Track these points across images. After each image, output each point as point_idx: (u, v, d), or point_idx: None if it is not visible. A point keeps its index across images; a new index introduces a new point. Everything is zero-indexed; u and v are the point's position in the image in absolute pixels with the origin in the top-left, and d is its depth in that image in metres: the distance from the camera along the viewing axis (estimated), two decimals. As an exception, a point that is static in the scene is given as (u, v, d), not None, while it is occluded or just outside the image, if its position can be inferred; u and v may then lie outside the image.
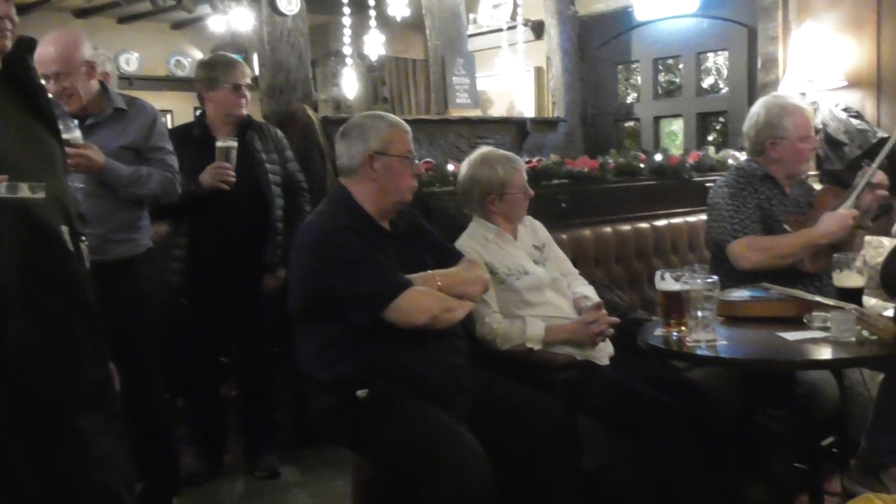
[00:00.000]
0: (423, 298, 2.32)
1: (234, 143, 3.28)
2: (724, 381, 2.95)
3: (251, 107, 3.51)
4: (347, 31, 5.20)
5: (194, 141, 3.37)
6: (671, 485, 2.53)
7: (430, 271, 2.42)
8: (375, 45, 5.63)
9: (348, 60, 5.48)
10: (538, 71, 6.69)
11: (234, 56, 3.55)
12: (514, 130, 5.39)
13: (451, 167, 3.26)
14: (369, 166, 2.43)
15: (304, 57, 4.26)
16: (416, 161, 2.56)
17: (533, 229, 2.99)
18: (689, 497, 2.53)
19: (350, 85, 5.83)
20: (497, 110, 6.87)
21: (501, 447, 2.33)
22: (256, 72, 4.35)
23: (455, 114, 5.12)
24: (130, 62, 8.42)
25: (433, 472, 2.13)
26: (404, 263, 2.42)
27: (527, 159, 3.56)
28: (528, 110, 6.59)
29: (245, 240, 3.36)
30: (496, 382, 2.56)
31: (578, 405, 2.56)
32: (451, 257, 2.58)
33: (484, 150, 2.94)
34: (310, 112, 4.05)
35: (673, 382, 2.73)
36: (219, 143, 3.27)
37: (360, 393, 2.29)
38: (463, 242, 2.81)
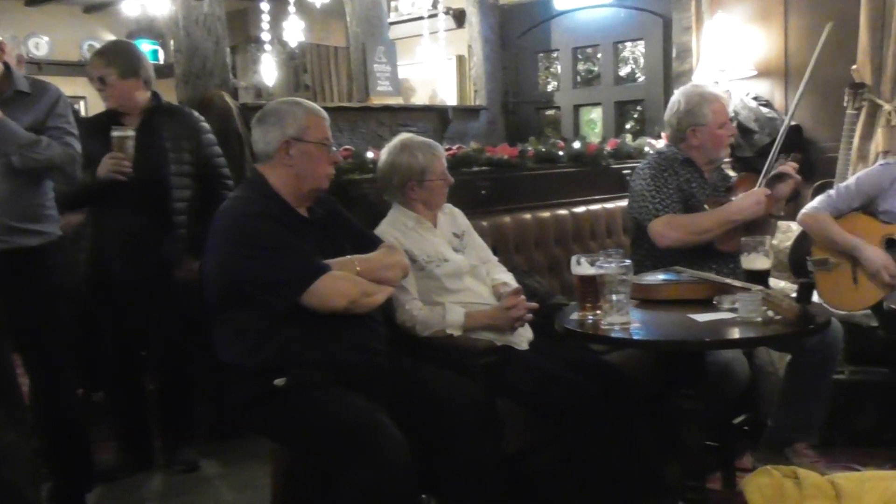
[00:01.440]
0: (341, 283, 2.31)
1: (131, 133, 3.15)
2: (641, 363, 3.02)
3: (169, 93, 3.42)
4: (266, 17, 5.12)
5: (102, 130, 3.26)
6: (590, 466, 2.58)
7: (348, 256, 2.42)
8: (295, 31, 5.56)
9: (267, 47, 5.41)
10: (460, 59, 6.73)
11: (116, 42, 3.43)
12: (436, 118, 5.41)
13: (370, 154, 3.24)
14: (285, 152, 2.41)
15: (221, 42, 4.17)
16: (334, 148, 2.55)
17: (453, 216, 3.00)
18: (608, 477, 2.59)
19: (269, 72, 5.76)
20: (419, 98, 6.88)
21: (422, 432, 2.34)
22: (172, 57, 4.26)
23: (376, 101, 5.11)
24: (40, 46, 8.10)
25: (352, 458, 2.12)
26: (323, 250, 2.41)
27: (447, 147, 3.58)
28: (450, 98, 6.62)
29: (145, 232, 3.25)
30: (417, 368, 2.56)
31: (498, 389, 2.59)
32: (370, 243, 2.57)
33: (403, 136, 2.93)
34: (227, 98, 3.98)
35: (591, 365, 2.78)
36: (114, 133, 3.14)
37: (279, 381, 2.26)
38: (382, 229, 2.81)
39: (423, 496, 2.52)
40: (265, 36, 5.27)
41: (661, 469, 2.81)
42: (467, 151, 3.59)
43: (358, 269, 2.39)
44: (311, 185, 2.46)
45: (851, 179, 3.57)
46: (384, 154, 2.90)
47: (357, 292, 2.33)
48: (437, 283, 2.77)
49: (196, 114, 3.51)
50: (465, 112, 5.82)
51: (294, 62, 7.78)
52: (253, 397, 2.33)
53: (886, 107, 4.39)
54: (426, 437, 2.35)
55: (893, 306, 2.57)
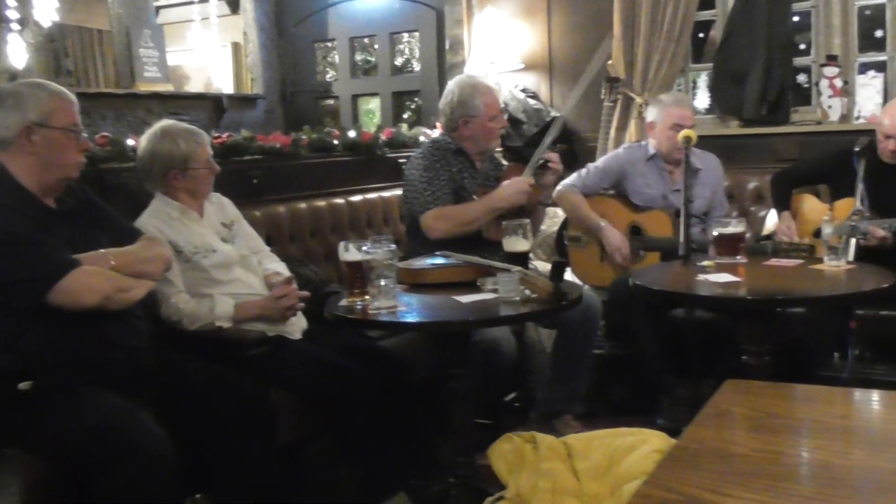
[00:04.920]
0: (92, 278, 2.16)
1: None
2: (417, 347, 3.10)
3: None
4: (13, -6, 4.72)
5: None
6: (367, 451, 2.60)
7: (102, 250, 2.27)
8: (47, 10, 5.15)
9: (14, 26, 4.97)
10: (235, 46, 6.53)
11: None
12: (210, 107, 5.24)
13: (131, 142, 3.07)
14: (27, 139, 2.23)
15: (-44, 20, 3.79)
16: (84, 134, 2.38)
17: (221, 206, 2.91)
18: (384, 460, 2.63)
19: (18, 54, 5.28)
20: (194, 86, 6.61)
21: (192, 429, 2.27)
22: None
23: (144, 88, 4.85)
24: None
25: (108, 460, 2.01)
26: (74, 243, 2.25)
27: (217, 135, 3.47)
28: (226, 86, 6.42)
29: None
30: (184, 363, 2.47)
31: (271, 380, 2.55)
32: (128, 236, 2.43)
33: (164, 123, 2.80)
34: (-34, 82, 3.62)
35: (366, 352, 2.81)
36: None
37: (23, 385, 2.09)
38: (144, 220, 2.67)
39: (198, 496, 2.44)
40: (12, 14, 4.84)
41: (435, 449, 2.89)
42: (237, 139, 3.49)
43: (113, 263, 2.25)
44: (57, 175, 2.29)
45: (601, 160, 3.86)
46: (143, 141, 2.77)
47: (111, 288, 2.20)
48: (204, 275, 2.68)
49: None
50: (242, 101, 5.68)
51: (53, 45, 7.19)
52: (-5, 405, 2.14)
53: (638, 100, 4.73)
54: (197, 433, 2.28)
55: (639, 281, 2.78)
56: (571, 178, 3.76)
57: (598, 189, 3.74)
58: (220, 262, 2.71)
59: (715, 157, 3.80)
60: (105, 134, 3.11)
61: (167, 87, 5.13)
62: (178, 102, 4.98)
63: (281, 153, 3.66)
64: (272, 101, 5.92)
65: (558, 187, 3.73)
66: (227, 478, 2.36)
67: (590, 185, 3.73)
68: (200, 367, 2.47)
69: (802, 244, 3.23)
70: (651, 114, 3.72)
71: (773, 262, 3.04)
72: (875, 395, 1.90)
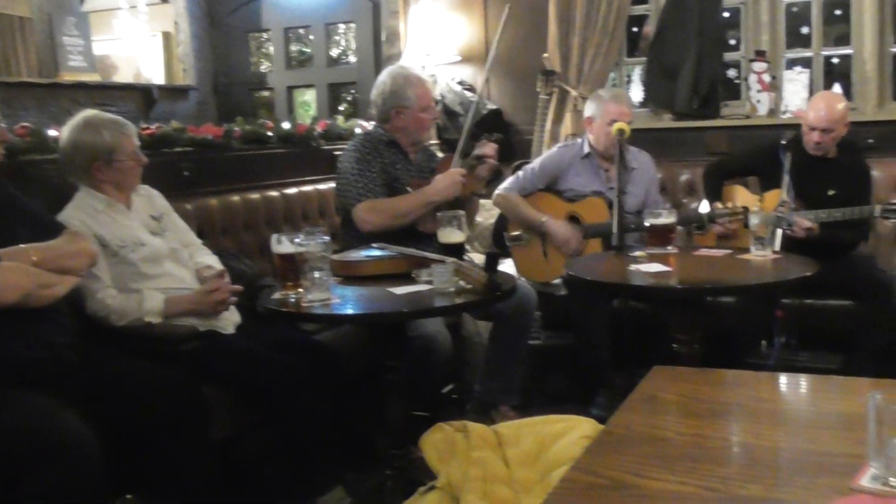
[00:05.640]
0: (11, 275, 2.09)
1: None
2: (353, 340, 3.09)
3: None
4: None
5: None
6: (302, 445, 2.58)
7: (22, 245, 2.20)
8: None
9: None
10: (166, 36, 6.39)
11: None
12: (140, 98, 5.12)
13: (53, 132, 2.97)
14: (-61, 130, 2.15)
15: None
16: (2, 125, 2.31)
17: (149, 198, 2.84)
18: (320, 455, 2.61)
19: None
20: (123, 76, 6.44)
21: (123, 427, 2.21)
22: None
23: (68, 78, 4.71)
24: None
25: (33, 461, 1.94)
26: (-8, 239, 2.18)
27: (146, 126, 3.39)
28: (157, 77, 6.27)
29: None
30: (112, 360, 2.41)
31: (203, 376, 2.51)
32: (50, 230, 2.36)
33: (87, 113, 2.72)
34: None
35: (301, 345, 2.79)
36: None
37: (-62, 387, 2.02)
38: (68, 214, 2.59)
39: (129, 496, 2.39)
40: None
41: (371, 442, 2.88)
42: (167, 130, 3.41)
43: (34, 258, 2.18)
44: (-27, 167, 2.21)
45: (536, 162, 3.89)
46: (65, 132, 2.68)
47: (32, 284, 2.13)
48: (133, 269, 2.62)
49: None
50: (173, 92, 5.56)
51: (-26, 33, 6.96)
52: None
53: (573, 93, 4.78)
54: (127, 432, 2.23)
55: (571, 272, 2.81)
56: (508, 182, 3.78)
57: (533, 189, 3.77)
58: (148, 256, 2.65)
59: (649, 156, 3.86)
60: (25, 124, 3.00)
61: (93, 77, 4.98)
62: (106, 93, 4.85)
63: (213, 145, 3.59)
64: (205, 93, 5.81)
65: (496, 191, 3.75)
66: (160, 477, 2.32)
67: (527, 186, 3.76)
68: (129, 363, 2.41)
69: (737, 208, 3.31)
70: (589, 109, 3.74)
71: (703, 251, 3.11)
72: (796, 380, 1.95)
